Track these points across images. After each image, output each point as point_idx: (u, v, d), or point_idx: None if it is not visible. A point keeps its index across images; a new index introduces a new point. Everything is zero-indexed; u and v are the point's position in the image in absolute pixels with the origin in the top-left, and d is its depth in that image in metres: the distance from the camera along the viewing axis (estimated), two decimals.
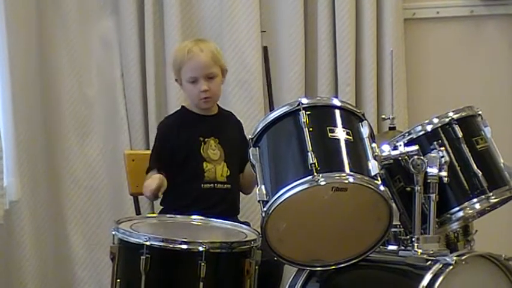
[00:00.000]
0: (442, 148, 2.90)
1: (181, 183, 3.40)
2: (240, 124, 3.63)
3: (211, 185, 3.41)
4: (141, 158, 3.54)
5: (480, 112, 3.05)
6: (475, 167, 2.91)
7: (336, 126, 2.86)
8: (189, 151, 3.42)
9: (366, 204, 2.82)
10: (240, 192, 3.57)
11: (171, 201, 3.42)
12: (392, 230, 2.99)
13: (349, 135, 2.85)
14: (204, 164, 3.42)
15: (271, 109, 3.51)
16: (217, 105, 3.57)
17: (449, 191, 2.91)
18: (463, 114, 3.00)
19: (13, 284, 4.01)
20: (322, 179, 2.71)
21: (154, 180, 3.27)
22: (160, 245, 2.72)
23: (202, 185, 3.40)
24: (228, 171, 3.45)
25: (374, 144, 2.86)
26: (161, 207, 3.50)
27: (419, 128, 2.97)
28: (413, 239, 2.88)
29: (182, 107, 3.59)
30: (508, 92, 4.24)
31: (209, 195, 3.39)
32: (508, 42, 4.24)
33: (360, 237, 2.89)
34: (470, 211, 2.91)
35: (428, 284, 2.71)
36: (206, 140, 3.45)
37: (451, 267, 2.72)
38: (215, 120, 3.52)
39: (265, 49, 3.53)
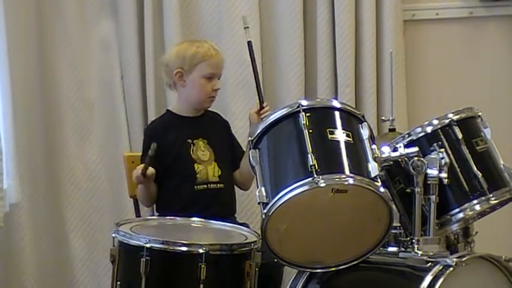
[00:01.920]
0: (442, 149, 2.90)
1: (174, 187, 3.41)
2: (227, 123, 3.64)
3: (204, 185, 3.41)
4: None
5: (480, 113, 3.06)
6: (475, 168, 2.91)
7: (335, 127, 2.86)
8: (178, 153, 3.42)
9: (366, 206, 2.82)
10: (236, 193, 3.56)
11: (166, 205, 3.43)
12: (393, 231, 2.98)
13: (349, 137, 2.85)
14: (195, 166, 3.42)
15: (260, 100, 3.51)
16: None
17: (449, 192, 2.91)
18: (463, 115, 3.00)
19: (13, 287, 4.01)
20: (322, 181, 2.71)
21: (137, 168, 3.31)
22: (160, 247, 2.71)
23: (195, 187, 3.40)
24: (220, 171, 3.45)
25: (374, 146, 2.86)
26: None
27: (419, 129, 2.97)
28: (413, 241, 2.88)
29: (167, 110, 3.59)
30: (507, 93, 4.24)
31: (203, 196, 3.39)
32: (507, 43, 4.25)
33: (360, 239, 2.89)
34: (470, 212, 2.91)
35: (428, 286, 2.71)
36: (195, 141, 3.45)
37: (451, 268, 2.73)
38: (202, 121, 3.52)
39: (249, 44, 3.53)
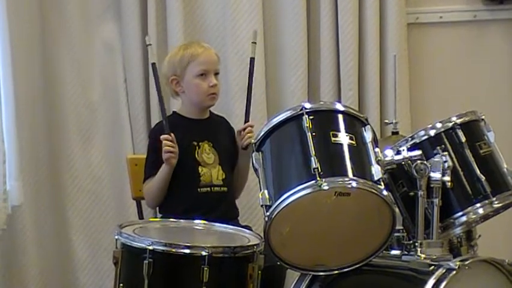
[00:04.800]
0: (445, 153, 2.89)
1: (177, 189, 3.40)
2: (233, 130, 3.62)
3: (208, 188, 3.41)
4: (144, 163, 3.53)
5: (483, 117, 3.05)
6: (478, 171, 2.91)
7: (339, 130, 2.86)
8: (182, 155, 3.41)
9: (369, 209, 2.82)
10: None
11: (169, 207, 3.43)
12: (396, 234, 2.98)
13: (352, 140, 2.85)
14: (200, 168, 3.42)
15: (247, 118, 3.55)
16: (209, 110, 3.57)
17: (453, 195, 2.91)
18: (466, 119, 3.00)
19: None
20: (325, 184, 2.71)
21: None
22: (163, 250, 2.72)
23: (198, 189, 3.40)
24: (224, 174, 3.45)
25: (377, 149, 2.86)
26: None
27: (423, 132, 2.97)
28: (416, 244, 2.87)
29: (173, 112, 3.59)
30: (511, 96, 4.24)
31: (206, 199, 3.39)
32: (511, 46, 4.24)
33: (363, 242, 2.89)
34: (473, 216, 2.91)
35: None
36: (200, 144, 3.45)
37: (454, 272, 2.72)
38: (207, 124, 3.52)
39: (252, 61, 3.55)
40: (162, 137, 3.35)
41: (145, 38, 3.54)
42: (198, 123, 3.50)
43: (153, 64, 3.44)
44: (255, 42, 3.56)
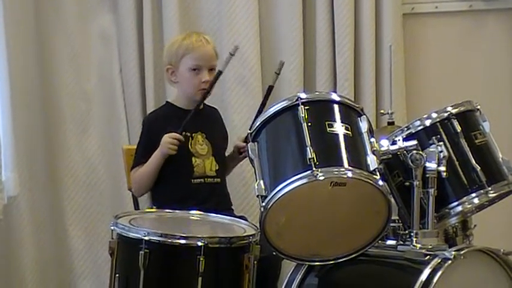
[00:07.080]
0: (441, 143, 2.90)
1: (171, 179, 3.40)
2: (225, 128, 3.62)
3: (201, 179, 3.41)
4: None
5: (479, 107, 3.05)
6: (473, 161, 2.91)
7: (334, 121, 2.86)
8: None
9: (365, 199, 2.82)
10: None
11: (162, 198, 3.42)
12: (391, 224, 2.99)
13: (348, 130, 2.85)
14: (193, 159, 3.41)
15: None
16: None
17: (448, 185, 2.92)
18: (462, 109, 3.00)
19: (12, 279, 4.01)
20: (321, 174, 2.72)
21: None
22: (159, 240, 2.72)
23: (192, 180, 3.39)
24: (217, 166, 3.44)
25: (373, 139, 2.86)
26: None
27: (418, 122, 2.97)
28: (412, 234, 2.88)
29: (167, 102, 3.59)
30: (506, 86, 4.25)
31: (199, 190, 3.39)
32: (507, 36, 4.25)
33: (359, 232, 2.89)
34: (468, 206, 2.91)
35: (427, 279, 2.71)
36: (193, 135, 3.43)
37: (449, 261, 2.73)
38: (201, 115, 3.50)
39: (270, 88, 3.50)
40: (173, 135, 3.33)
41: (232, 48, 3.41)
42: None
43: (219, 72, 3.40)
44: (279, 73, 3.50)
